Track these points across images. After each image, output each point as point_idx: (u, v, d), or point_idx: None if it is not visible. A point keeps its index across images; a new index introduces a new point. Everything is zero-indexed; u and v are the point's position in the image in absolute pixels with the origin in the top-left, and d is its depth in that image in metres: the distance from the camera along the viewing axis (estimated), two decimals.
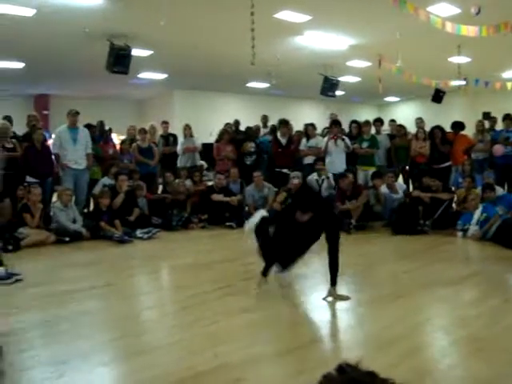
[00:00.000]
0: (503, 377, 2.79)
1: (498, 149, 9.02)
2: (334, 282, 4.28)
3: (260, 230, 4.72)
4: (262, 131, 11.06)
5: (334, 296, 4.25)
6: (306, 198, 4.34)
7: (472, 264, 5.71)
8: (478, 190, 7.77)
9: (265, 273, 4.53)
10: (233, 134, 10.05)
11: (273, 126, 10.76)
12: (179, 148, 9.89)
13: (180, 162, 9.85)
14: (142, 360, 3.05)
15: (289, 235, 4.38)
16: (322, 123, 11.13)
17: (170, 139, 10.20)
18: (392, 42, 9.59)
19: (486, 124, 10.13)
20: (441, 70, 12.54)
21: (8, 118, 8.36)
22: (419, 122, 9.92)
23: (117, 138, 10.53)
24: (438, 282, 4.81)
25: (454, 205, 8.11)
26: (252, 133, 10.37)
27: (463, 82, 12.44)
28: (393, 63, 10.76)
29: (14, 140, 7.94)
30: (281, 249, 4.44)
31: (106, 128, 9.86)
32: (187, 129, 9.91)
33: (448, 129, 9.72)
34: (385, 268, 5.57)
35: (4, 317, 3.84)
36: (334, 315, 3.93)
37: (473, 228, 7.08)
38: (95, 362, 3.04)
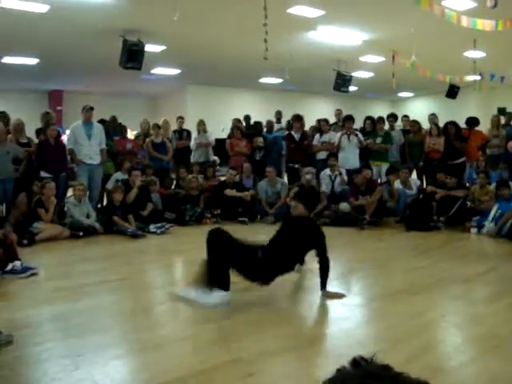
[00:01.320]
0: None
1: None
2: (323, 286, 4.24)
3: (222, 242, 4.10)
4: (276, 126, 11.04)
5: (328, 296, 4.21)
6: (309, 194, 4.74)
7: (487, 261, 5.66)
8: (493, 186, 7.70)
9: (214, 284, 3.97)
10: (244, 129, 10.05)
11: (289, 121, 10.73)
12: (192, 143, 9.91)
13: (193, 158, 9.89)
14: (156, 353, 3.07)
15: (279, 250, 4.19)
16: (334, 119, 11.08)
17: (183, 134, 10.24)
18: (406, 37, 9.50)
19: (502, 119, 10.02)
20: (455, 64, 12.41)
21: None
22: (433, 117, 9.85)
23: (130, 134, 10.57)
24: (453, 279, 4.78)
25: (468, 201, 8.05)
26: (260, 127, 10.36)
27: (478, 77, 12.31)
28: (407, 58, 10.66)
29: (28, 136, 8.01)
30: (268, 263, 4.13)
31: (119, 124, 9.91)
32: (201, 124, 9.94)
33: (462, 125, 9.65)
34: (398, 264, 5.55)
35: None
36: (347, 311, 3.91)
37: (488, 225, 7.05)
38: (110, 355, 3.07)
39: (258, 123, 10.52)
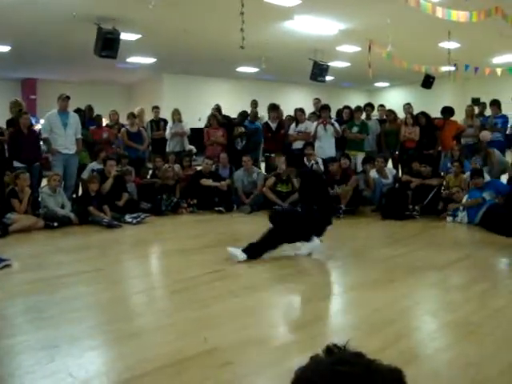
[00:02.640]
0: (492, 360, 2.82)
1: (486, 135, 9.05)
2: None
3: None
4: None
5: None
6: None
7: (461, 248, 5.75)
8: (467, 175, 7.81)
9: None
10: (221, 119, 9.97)
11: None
12: (168, 132, 9.83)
13: (169, 147, 9.80)
14: (132, 344, 3.05)
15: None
16: (311, 108, 11.09)
17: (160, 124, 10.14)
18: (382, 27, 9.53)
19: (476, 109, 10.15)
20: (431, 55, 12.51)
21: None
22: (407, 107, 9.92)
23: (104, 123, 10.43)
24: (427, 267, 4.84)
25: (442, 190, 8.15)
26: (244, 116, 10.29)
27: (453, 68, 12.44)
28: (383, 48, 10.71)
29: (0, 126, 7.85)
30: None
31: (95, 113, 9.76)
32: (176, 114, 9.85)
33: (438, 114, 9.74)
34: (374, 253, 5.60)
35: None
36: (322, 299, 3.94)
37: (460, 214, 7.18)
38: (85, 346, 3.04)
39: (244, 112, 10.43)
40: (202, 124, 10.98)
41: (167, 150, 9.76)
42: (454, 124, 9.62)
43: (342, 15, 10.00)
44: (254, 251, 4.96)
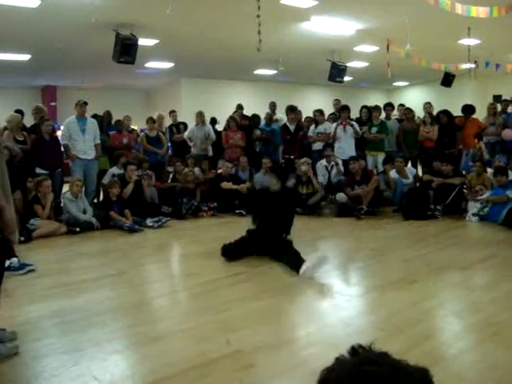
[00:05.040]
0: None
1: (507, 133, 8.91)
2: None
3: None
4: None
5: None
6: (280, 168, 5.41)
7: (485, 248, 5.66)
8: (490, 173, 7.71)
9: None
10: (240, 121, 9.98)
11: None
12: (186, 135, 9.87)
13: (194, 149, 9.86)
14: (155, 347, 3.06)
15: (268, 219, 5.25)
16: (330, 109, 11.05)
17: (180, 127, 10.19)
18: (400, 26, 9.47)
19: (498, 107, 10.01)
20: (450, 52, 12.38)
21: (20, 112, 8.35)
22: (428, 106, 9.83)
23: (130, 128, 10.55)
24: (451, 267, 4.78)
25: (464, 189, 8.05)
26: (258, 120, 10.31)
27: (473, 65, 12.29)
28: (401, 47, 10.64)
29: (24, 133, 7.96)
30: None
31: (114, 119, 9.86)
32: (200, 116, 9.83)
33: (458, 112, 9.63)
34: (396, 253, 5.55)
35: None
36: (345, 301, 3.91)
37: (483, 212, 7.09)
38: (109, 349, 3.06)
39: (255, 116, 10.46)
40: (219, 127, 11.02)
41: (193, 151, 9.79)
42: (475, 122, 9.50)
43: (359, 15, 9.95)
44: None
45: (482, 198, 7.16)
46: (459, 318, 3.53)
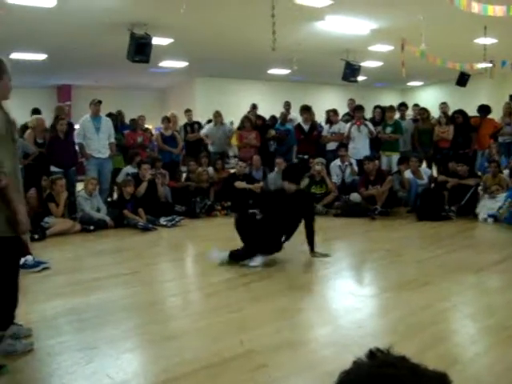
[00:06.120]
0: None
1: None
2: (312, 248, 5.13)
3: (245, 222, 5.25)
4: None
5: (316, 256, 5.08)
6: (294, 171, 5.49)
7: (500, 250, 5.60)
8: (506, 173, 7.63)
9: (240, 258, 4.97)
10: (254, 121, 9.99)
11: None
12: (204, 132, 9.90)
13: (212, 147, 9.91)
14: (168, 346, 3.08)
15: (275, 217, 5.05)
16: (344, 109, 11.01)
17: (194, 127, 10.22)
18: (415, 25, 9.39)
19: None
20: (466, 52, 12.26)
21: (37, 111, 8.40)
22: (443, 106, 9.74)
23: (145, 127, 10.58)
24: (465, 269, 4.74)
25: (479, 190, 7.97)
26: (274, 121, 10.31)
27: (489, 65, 12.16)
28: (416, 47, 10.55)
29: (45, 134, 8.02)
30: (267, 232, 4.98)
31: (127, 118, 9.90)
32: (218, 116, 9.85)
33: (474, 112, 9.54)
34: (410, 254, 5.51)
35: None
36: (359, 302, 3.90)
37: (499, 214, 7.01)
38: (123, 348, 3.08)
39: (272, 117, 10.49)
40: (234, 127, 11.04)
41: (210, 149, 9.82)
42: (491, 122, 9.41)
43: (374, 14, 9.89)
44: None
45: (501, 193, 7.03)
46: (473, 320, 3.50)
